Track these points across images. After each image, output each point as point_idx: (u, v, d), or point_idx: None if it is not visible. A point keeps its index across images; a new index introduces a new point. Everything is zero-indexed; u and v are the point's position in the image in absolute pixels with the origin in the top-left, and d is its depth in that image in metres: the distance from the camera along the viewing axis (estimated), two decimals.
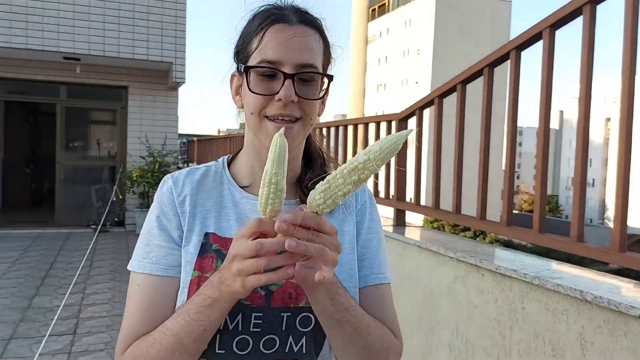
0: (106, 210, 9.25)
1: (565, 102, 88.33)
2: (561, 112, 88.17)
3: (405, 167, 3.31)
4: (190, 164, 11.36)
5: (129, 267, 1.02)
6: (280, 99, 0.93)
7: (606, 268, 4.00)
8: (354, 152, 4.08)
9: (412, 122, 3.25)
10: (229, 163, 1.14)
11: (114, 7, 9.05)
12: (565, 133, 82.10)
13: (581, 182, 1.97)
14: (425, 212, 2.96)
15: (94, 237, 8.48)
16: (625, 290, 1.78)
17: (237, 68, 1.04)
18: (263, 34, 0.96)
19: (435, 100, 2.85)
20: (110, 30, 9.01)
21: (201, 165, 1.12)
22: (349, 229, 1.08)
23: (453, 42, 53.85)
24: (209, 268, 0.98)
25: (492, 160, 2.57)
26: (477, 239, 23.94)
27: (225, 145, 10.98)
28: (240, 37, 1.03)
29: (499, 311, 2.14)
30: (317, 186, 0.78)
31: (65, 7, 8.71)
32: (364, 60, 67.25)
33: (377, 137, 3.62)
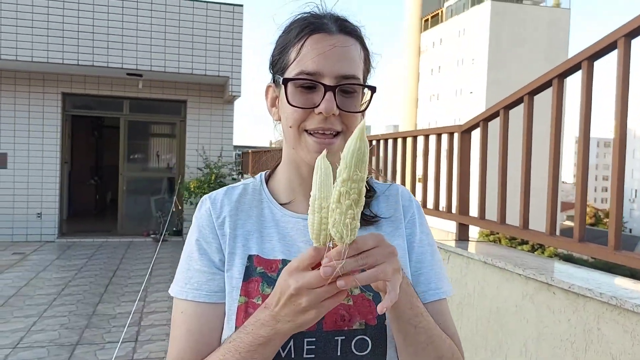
0: (167, 220, 9.53)
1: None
2: None
3: (468, 180, 3.24)
4: (244, 175, 11.56)
5: (170, 292, 0.99)
6: (320, 112, 0.89)
7: None
8: (413, 165, 4.03)
9: (475, 134, 3.18)
10: (267, 179, 1.09)
11: (174, 25, 9.37)
12: (628, 143, 78.63)
13: None
14: (491, 227, 2.89)
15: (158, 246, 8.74)
16: None
17: (273, 79, 1.00)
18: (302, 45, 0.91)
19: (500, 112, 2.78)
20: (170, 47, 9.34)
21: (239, 183, 1.08)
22: (398, 243, 1.01)
23: (509, 51, 52.63)
24: (255, 293, 0.93)
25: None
26: (536, 252, 23.18)
27: (277, 156, 11.10)
28: (276, 47, 0.98)
29: (572, 331, 2.06)
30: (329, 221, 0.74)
31: (128, 25, 9.10)
32: (416, 70, 66.79)
33: (438, 149, 3.55)
